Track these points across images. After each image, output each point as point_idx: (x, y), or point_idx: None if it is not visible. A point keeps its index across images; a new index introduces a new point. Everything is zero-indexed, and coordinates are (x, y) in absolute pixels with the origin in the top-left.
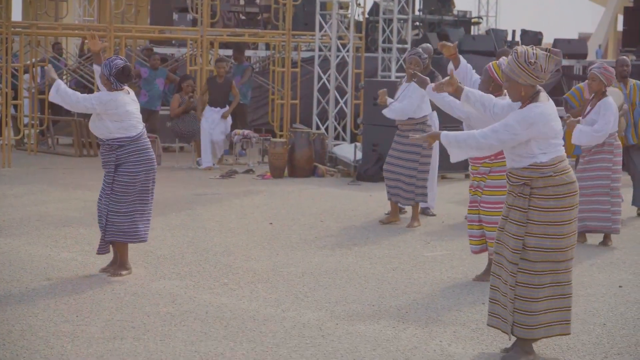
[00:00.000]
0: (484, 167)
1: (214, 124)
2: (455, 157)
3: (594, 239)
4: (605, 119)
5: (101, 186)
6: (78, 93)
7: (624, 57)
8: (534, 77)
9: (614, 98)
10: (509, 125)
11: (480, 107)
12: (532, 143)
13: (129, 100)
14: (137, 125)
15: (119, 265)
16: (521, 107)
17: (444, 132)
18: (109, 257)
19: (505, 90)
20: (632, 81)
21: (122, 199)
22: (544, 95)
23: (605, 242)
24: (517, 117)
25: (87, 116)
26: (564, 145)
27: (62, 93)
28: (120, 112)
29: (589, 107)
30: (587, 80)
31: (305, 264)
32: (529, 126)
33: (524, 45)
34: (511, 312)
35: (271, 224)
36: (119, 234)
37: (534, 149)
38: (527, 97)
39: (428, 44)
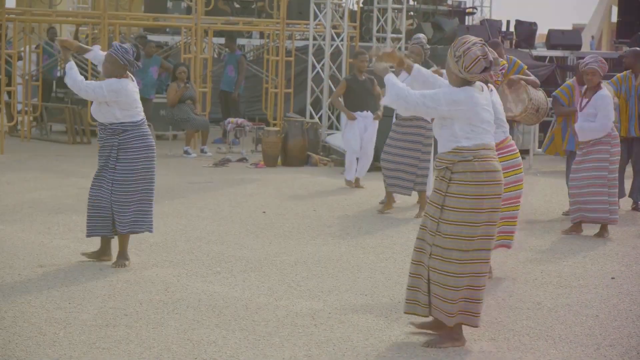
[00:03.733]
0: None
1: (362, 130)
2: (386, 99)
3: (590, 230)
4: (604, 112)
5: (96, 178)
6: (89, 81)
7: (633, 49)
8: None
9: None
10: (436, 95)
11: (429, 86)
12: (456, 126)
13: (135, 88)
14: (141, 112)
15: (120, 255)
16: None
17: (391, 75)
18: (93, 243)
19: None
20: None
21: (125, 188)
22: (478, 84)
23: (602, 233)
24: (446, 91)
25: (82, 102)
26: (552, 143)
27: (72, 75)
28: (130, 100)
29: (584, 100)
30: (575, 77)
31: (298, 253)
32: (453, 103)
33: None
34: (426, 293)
35: (264, 212)
36: (129, 225)
37: (457, 132)
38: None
39: (422, 34)
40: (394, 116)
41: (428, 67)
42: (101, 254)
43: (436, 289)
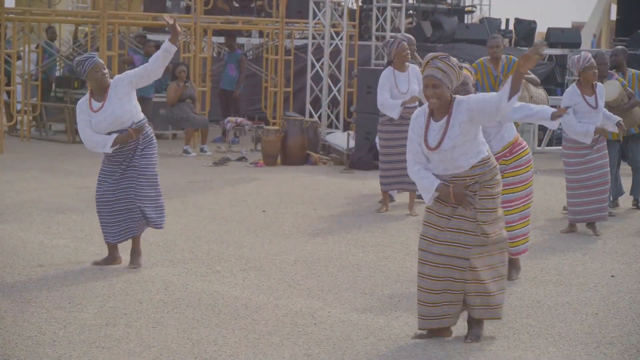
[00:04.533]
0: (500, 164)
1: None
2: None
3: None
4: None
5: (115, 182)
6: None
7: (621, 47)
8: (458, 80)
9: (612, 90)
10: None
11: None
12: (479, 134)
13: None
14: None
15: (137, 255)
16: (450, 108)
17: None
18: (101, 248)
19: (432, 99)
20: (631, 71)
21: (153, 182)
22: None
23: (597, 231)
24: (473, 95)
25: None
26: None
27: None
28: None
29: (591, 97)
30: (578, 77)
31: (297, 251)
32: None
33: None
34: (475, 296)
35: (264, 211)
36: (160, 219)
37: (480, 139)
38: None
39: (409, 35)
40: (379, 116)
41: (416, 62)
42: (113, 259)
43: (492, 286)
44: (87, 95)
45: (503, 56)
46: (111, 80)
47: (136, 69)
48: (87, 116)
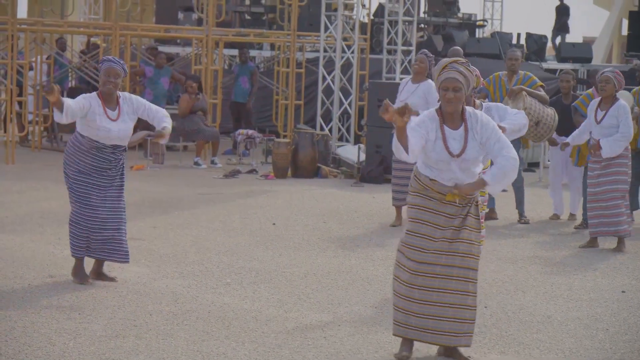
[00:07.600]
0: None
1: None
2: (499, 188)
3: (604, 243)
4: (627, 122)
5: (103, 201)
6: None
7: None
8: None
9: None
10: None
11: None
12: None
13: None
14: None
15: (102, 269)
16: (463, 117)
17: (486, 176)
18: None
19: (452, 102)
20: None
21: (123, 200)
22: None
23: (620, 247)
24: (491, 121)
25: None
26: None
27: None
28: None
29: (600, 112)
30: (593, 86)
31: (308, 265)
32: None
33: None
34: (470, 320)
35: (274, 224)
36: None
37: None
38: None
39: (459, 48)
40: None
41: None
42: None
43: (456, 312)
44: (96, 95)
45: (521, 72)
46: (121, 93)
47: (149, 106)
48: (91, 105)
